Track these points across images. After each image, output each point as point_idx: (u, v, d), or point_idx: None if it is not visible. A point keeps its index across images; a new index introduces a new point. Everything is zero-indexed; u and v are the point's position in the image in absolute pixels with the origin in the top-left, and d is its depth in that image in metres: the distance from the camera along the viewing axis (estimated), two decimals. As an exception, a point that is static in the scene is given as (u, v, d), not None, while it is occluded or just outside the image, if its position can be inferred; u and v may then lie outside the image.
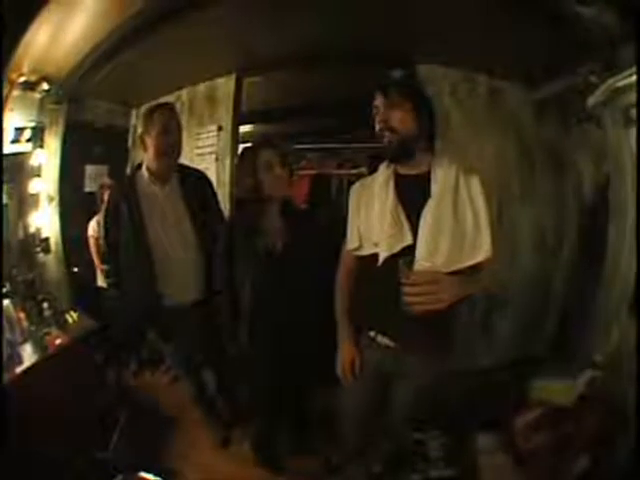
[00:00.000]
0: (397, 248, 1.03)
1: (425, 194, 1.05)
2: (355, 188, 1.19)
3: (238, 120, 2.19)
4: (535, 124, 1.91)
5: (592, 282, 1.60)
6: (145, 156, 1.37)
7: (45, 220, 1.90)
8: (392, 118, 1.02)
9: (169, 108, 1.40)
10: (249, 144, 1.41)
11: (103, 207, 1.42)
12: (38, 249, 1.85)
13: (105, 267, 1.49)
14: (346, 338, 1.20)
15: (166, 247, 1.40)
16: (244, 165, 1.29)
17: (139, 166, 1.43)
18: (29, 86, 1.72)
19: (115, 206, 1.39)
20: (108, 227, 1.43)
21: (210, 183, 1.60)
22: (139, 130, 1.34)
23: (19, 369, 1.38)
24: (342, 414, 1.37)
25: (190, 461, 1.66)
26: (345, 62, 1.92)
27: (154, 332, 1.53)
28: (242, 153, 1.37)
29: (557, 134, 1.83)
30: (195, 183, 1.49)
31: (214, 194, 1.58)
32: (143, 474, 1.39)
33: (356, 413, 1.32)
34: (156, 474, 1.39)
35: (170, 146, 1.34)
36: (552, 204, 1.88)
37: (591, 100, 1.54)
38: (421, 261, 1.00)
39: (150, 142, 1.32)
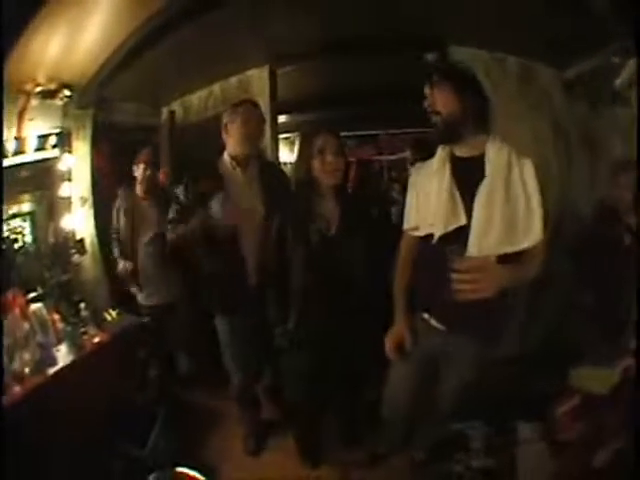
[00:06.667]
0: (451, 227, 1.04)
1: (479, 176, 1.04)
2: (414, 170, 1.21)
3: (275, 110, 2.19)
4: (567, 104, 1.90)
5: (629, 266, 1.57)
6: (228, 142, 1.52)
7: (79, 222, 1.95)
8: (436, 101, 1.04)
9: (252, 103, 1.57)
10: (305, 131, 1.47)
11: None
12: (73, 250, 1.89)
13: None
14: (401, 318, 1.21)
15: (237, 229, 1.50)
16: (300, 151, 1.36)
17: (221, 152, 1.56)
18: (49, 94, 1.75)
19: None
20: None
21: (285, 176, 1.75)
22: (224, 120, 1.50)
23: (52, 370, 1.41)
24: (388, 400, 1.37)
25: (230, 458, 1.66)
26: (379, 48, 1.89)
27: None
28: (300, 140, 1.46)
29: (588, 114, 1.81)
30: (272, 172, 1.63)
31: (287, 186, 1.64)
32: (180, 469, 1.40)
33: (403, 398, 1.32)
34: (194, 470, 1.40)
35: (250, 135, 1.48)
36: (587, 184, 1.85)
37: (618, 80, 1.52)
38: (474, 241, 1.00)
39: (233, 130, 1.48)
